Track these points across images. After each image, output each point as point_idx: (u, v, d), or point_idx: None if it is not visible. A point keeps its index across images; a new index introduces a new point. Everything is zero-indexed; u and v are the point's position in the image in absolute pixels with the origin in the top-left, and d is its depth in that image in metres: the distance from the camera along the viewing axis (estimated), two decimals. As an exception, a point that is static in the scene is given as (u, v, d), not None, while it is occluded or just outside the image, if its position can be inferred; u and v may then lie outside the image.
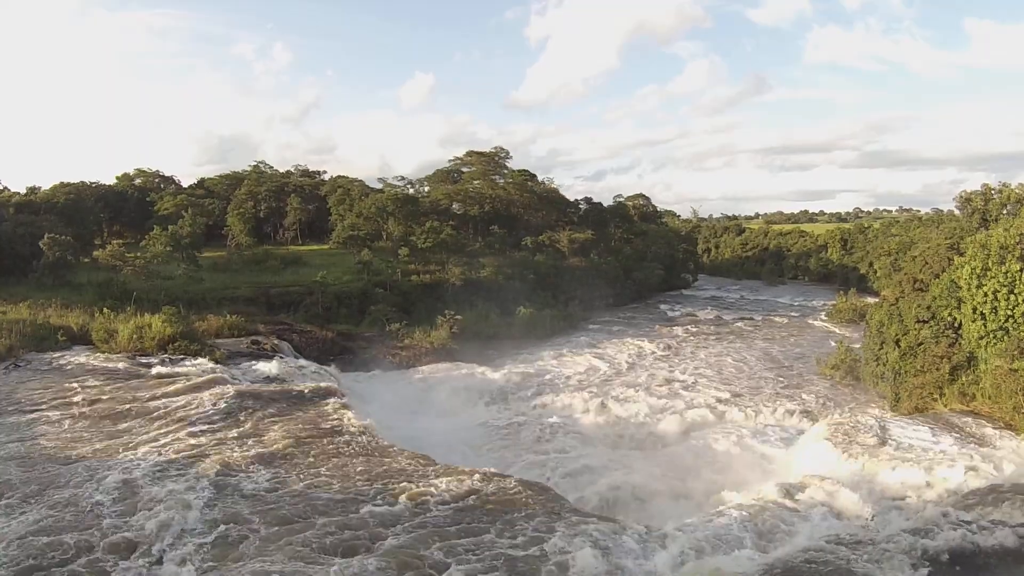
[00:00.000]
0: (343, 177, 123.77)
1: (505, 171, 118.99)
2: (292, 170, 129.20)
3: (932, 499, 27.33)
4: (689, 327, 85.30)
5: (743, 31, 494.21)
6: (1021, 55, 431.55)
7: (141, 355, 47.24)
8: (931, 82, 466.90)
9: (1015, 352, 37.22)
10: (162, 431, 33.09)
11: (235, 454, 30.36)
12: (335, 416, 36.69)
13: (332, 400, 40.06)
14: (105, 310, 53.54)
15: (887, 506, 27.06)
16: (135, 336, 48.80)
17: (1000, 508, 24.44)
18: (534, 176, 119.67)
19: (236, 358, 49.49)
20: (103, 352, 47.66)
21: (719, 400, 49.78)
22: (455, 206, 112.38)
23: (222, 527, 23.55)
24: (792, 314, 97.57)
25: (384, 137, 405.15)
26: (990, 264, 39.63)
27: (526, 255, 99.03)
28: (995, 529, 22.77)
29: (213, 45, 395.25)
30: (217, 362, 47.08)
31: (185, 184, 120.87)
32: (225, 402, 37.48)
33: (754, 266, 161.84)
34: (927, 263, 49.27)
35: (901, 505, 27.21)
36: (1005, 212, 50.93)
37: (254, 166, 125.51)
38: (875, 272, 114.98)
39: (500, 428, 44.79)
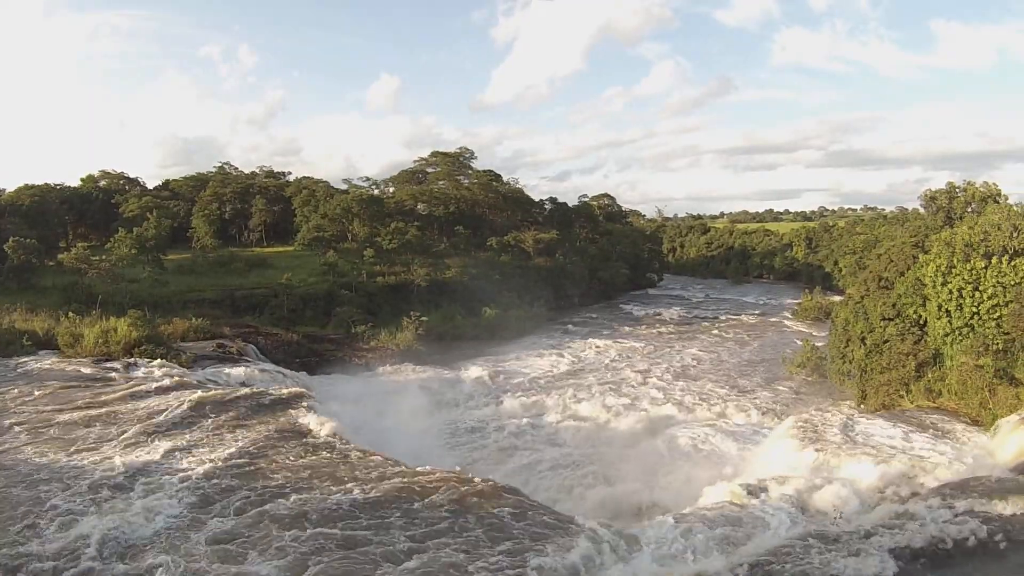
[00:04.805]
0: (308, 178, 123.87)
1: (470, 171, 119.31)
2: (257, 171, 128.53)
3: (900, 494, 27.64)
4: (655, 327, 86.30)
5: (710, 32, 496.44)
6: (986, 56, 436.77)
7: (107, 359, 46.99)
8: (897, 83, 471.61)
9: (980, 348, 38.09)
10: (126, 437, 32.91)
11: (199, 460, 30.44)
12: (302, 420, 36.60)
13: (298, 404, 39.98)
14: (71, 314, 53.20)
15: (855, 502, 27.18)
16: (101, 340, 48.56)
17: (967, 501, 24.64)
18: (499, 176, 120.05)
19: (202, 361, 49.44)
20: (69, 357, 47.47)
21: (685, 399, 50.44)
22: (420, 207, 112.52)
23: (181, 533, 23.69)
24: (757, 312, 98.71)
25: (350, 139, 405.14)
26: (955, 262, 40.39)
27: (491, 255, 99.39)
28: (963, 522, 22.96)
29: (179, 46, 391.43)
30: (183, 366, 47.06)
31: (150, 186, 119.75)
32: (190, 407, 37.25)
33: (719, 265, 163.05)
34: (892, 261, 49.88)
35: (869, 501, 27.43)
36: (969, 210, 51.54)
37: (219, 167, 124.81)
38: (840, 270, 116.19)
39: (467, 429, 45.23)
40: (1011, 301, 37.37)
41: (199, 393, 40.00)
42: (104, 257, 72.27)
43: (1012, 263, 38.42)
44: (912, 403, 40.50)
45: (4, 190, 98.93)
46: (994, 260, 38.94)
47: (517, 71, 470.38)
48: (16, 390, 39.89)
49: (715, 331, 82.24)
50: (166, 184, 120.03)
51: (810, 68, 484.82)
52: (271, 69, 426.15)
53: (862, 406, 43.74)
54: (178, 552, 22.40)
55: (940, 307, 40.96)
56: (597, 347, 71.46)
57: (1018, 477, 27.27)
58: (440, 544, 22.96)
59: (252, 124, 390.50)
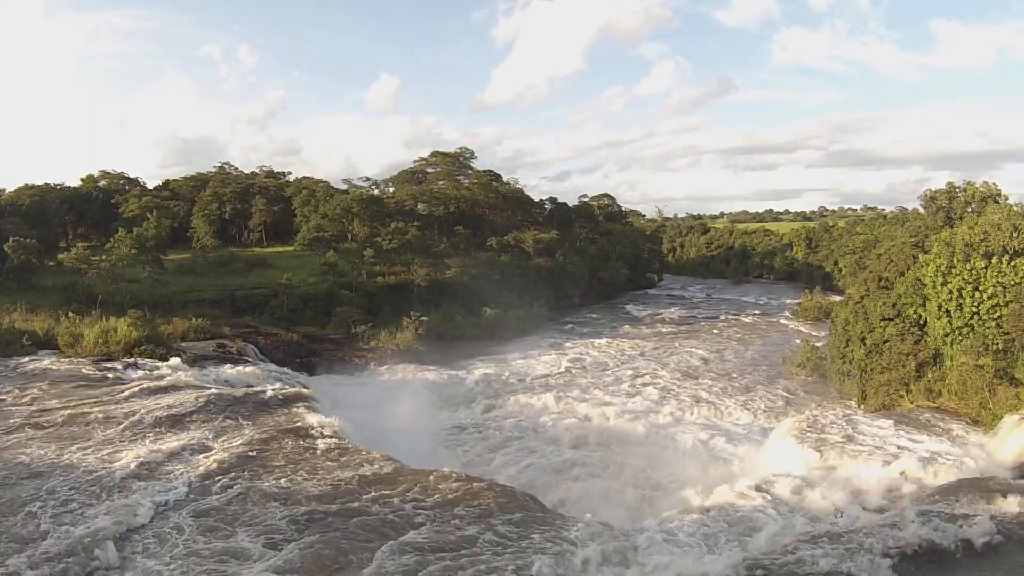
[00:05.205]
0: (308, 178, 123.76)
1: (470, 171, 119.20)
2: (257, 171, 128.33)
3: (899, 494, 27.63)
4: (655, 327, 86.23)
5: (710, 32, 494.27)
6: (986, 56, 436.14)
7: (107, 359, 46.99)
8: (897, 83, 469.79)
9: (980, 348, 38.07)
10: (125, 437, 33.09)
11: (200, 459, 30.52)
12: (302, 420, 36.67)
13: (299, 403, 40.09)
14: (71, 314, 53.18)
15: (854, 502, 27.26)
16: (101, 340, 48.56)
17: (966, 502, 24.80)
18: (499, 176, 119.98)
19: (202, 361, 49.36)
20: (69, 357, 47.46)
21: (685, 399, 50.39)
22: (420, 207, 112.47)
23: (179, 534, 23.79)
24: (758, 312, 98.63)
25: (350, 139, 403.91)
26: (955, 262, 40.38)
27: (491, 255, 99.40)
28: (961, 522, 23.04)
29: (179, 46, 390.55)
30: (183, 366, 47.02)
31: (150, 186, 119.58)
32: (190, 407, 37.42)
33: (719, 265, 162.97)
34: (892, 261, 49.86)
35: (868, 501, 27.44)
36: (969, 210, 51.51)
37: (219, 167, 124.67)
38: (840, 270, 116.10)
39: (466, 429, 45.10)
40: (1011, 301, 37.37)
41: (199, 393, 40.09)
42: (104, 257, 72.17)
43: (1012, 263, 38.43)
44: (912, 403, 40.50)
45: (4, 190, 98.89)
46: (994, 260, 38.94)
47: (517, 71, 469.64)
48: (16, 390, 39.92)
49: (715, 331, 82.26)
50: (166, 184, 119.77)
51: (810, 68, 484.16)
52: (271, 69, 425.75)
53: (862, 406, 43.81)
54: (172, 531, 23.01)
55: (940, 307, 40.94)
56: (597, 347, 71.43)
57: (1018, 477, 27.30)
58: (448, 545, 22.98)
59: (252, 124, 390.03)
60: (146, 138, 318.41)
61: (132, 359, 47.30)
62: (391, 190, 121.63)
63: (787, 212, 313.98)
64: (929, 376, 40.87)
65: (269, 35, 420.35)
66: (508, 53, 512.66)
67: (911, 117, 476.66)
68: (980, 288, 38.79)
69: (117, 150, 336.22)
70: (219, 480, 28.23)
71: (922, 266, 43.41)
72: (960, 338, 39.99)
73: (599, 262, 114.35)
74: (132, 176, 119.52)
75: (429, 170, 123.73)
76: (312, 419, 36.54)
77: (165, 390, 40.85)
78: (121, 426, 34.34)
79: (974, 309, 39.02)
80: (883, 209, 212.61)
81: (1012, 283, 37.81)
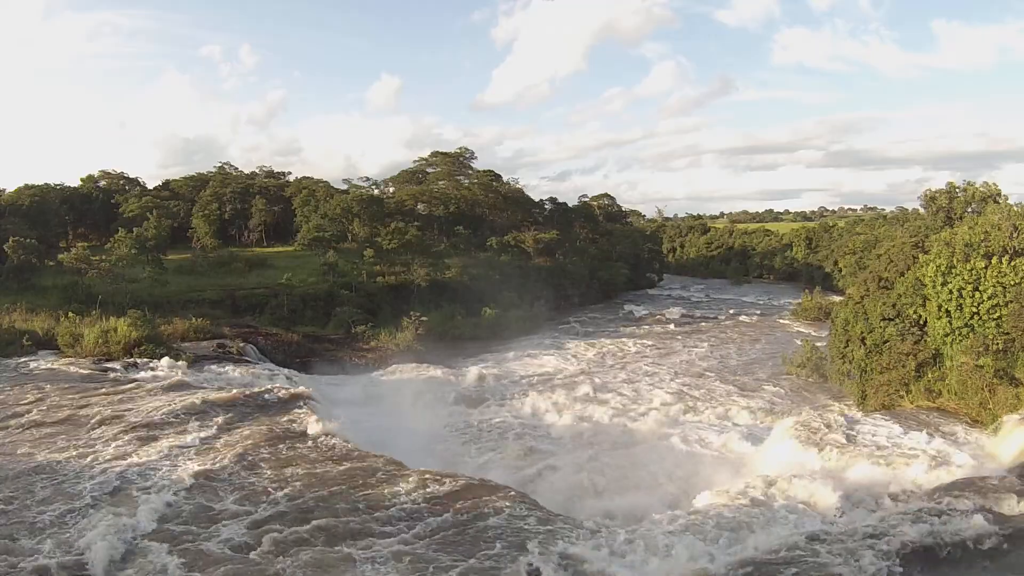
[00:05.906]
0: (308, 178, 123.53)
1: (470, 171, 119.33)
2: (257, 171, 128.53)
3: (899, 494, 27.58)
4: (655, 327, 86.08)
5: (711, 32, 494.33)
6: (987, 56, 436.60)
7: (107, 359, 47.09)
8: (898, 83, 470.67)
9: (980, 349, 37.90)
10: (125, 436, 33.06)
11: (200, 460, 30.47)
12: (302, 420, 36.61)
13: (299, 404, 39.99)
14: (71, 314, 53.25)
15: (854, 502, 27.20)
16: (101, 340, 48.60)
17: (967, 501, 24.81)
18: (499, 176, 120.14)
19: (202, 362, 49.42)
20: (69, 357, 47.52)
21: (685, 399, 50.29)
22: (420, 207, 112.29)
23: (179, 538, 23.70)
24: (758, 313, 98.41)
25: (350, 139, 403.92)
26: (955, 262, 40.21)
27: (491, 255, 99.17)
28: (962, 522, 23.13)
29: (180, 46, 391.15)
30: (183, 366, 47.03)
31: (150, 186, 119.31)
32: (191, 407, 37.33)
33: (719, 265, 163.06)
34: (892, 261, 49.67)
35: (868, 501, 27.40)
36: (969, 210, 51.38)
37: (219, 167, 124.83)
38: (840, 270, 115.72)
39: (467, 430, 44.94)
40: (1011, 301, 37.30)
41: (199, 393, 40.10)
42: (104, 257, 72.26)
43: (1012, 263, 38.33)
44: (912, 403, 40.45)
45: (4, 190, 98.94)
46: (994, 260, 38.84)
47: (517, 71, 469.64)
48: (16, 390, 39.95)
49: (715, 331, 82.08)
50: (166, 184, 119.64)
51: (810, 68, 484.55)
52: (271, 69, 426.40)
53: (862, 406, 43.65)
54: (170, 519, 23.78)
55: (940, 307, 40.84)
56: (597, 347, 71.22)
57: (1018, 477, 27.30)
58: (447, 547, 22.97)
59: (253, 124, 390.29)
60: (146, 138, 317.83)
61: (132, 359, 47.36)
62: (391, 190, 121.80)
63: (787, 212, 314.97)
64: (929, 376, 40.76)
65: (269, 35, 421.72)
66: (508, 53, 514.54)
67: (911, 117, 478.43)
68: (980, 288, 38.70)
69: (117, 150, 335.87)
70: (217, 477, 28.34)
71: (922, 266, 43.29)
72: (960, 338, 39.89)
73: (599, 262, 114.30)
74: (132, 176, 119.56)
75: (429, 170, 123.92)
76: (311, 419, 36.45)
77: (165, 390, 40.88)
78: (121, 425, 34.34)
79: (974, 309, 38.93)
80: (883, 209, 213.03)
81: (1012, 283, 37.72)
